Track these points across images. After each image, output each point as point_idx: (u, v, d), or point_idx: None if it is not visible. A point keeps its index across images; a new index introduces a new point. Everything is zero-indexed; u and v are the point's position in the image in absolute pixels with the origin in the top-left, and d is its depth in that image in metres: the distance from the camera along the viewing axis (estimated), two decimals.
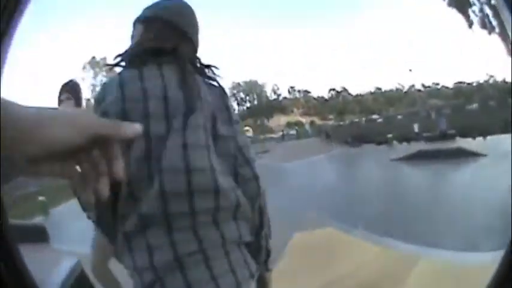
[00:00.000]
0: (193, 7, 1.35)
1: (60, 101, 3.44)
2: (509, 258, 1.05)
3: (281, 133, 40.00)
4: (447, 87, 24.66)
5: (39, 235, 8.32)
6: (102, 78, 38.62)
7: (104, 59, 38.25)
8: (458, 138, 15.66)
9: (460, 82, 24.26)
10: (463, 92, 23.04)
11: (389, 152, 18.97)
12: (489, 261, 4.22)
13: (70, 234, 9.59)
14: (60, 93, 3.50)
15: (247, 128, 44.83)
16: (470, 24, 19.77)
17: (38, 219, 11.73)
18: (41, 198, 13.12)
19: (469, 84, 23.95)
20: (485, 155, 12.37)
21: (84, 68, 36.94)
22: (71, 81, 3.66)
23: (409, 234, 6.09)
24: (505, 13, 1.11)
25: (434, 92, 24.97)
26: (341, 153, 23.69)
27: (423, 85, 25.37)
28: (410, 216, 7.87)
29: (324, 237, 6.47)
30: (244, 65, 56.49)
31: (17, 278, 1.18)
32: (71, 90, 3.58)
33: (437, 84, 25.19)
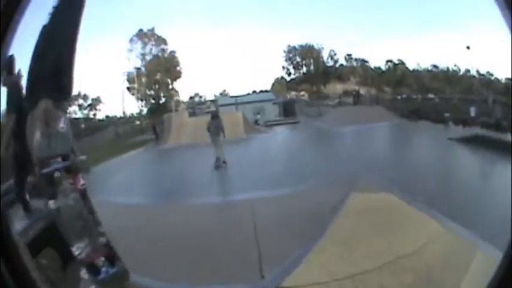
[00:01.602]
0: None
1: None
2: (510, 258, 1.20)
3: (337, 100, 38.58)
4: (499, 80, 23.90)
5: None
6: (151, 47, 37.27)
7: (152, 29, 36.73)
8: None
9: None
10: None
11: (446, 131, 19.23)
12: None
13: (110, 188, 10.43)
14: None
15: (302, 92, 44.88)
16: None
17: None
18: (82, 157, 13.42)
19: None
20: None
21: (131, 40, 36.30)
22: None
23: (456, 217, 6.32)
24: (505, 13, 1.26)
25: (487, 81, 24.50)
26: (398, 124, 23.50)
27: (478, 72, 24.69)
28: (460, 199, 8.21)
29: (383, 201, 6.81)
30: (300, 28, 54.30)
31: (17, 278, 1.31)
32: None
33: (492, 74, 24.46)
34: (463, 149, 15.10)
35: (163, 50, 38.27)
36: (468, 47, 21.82)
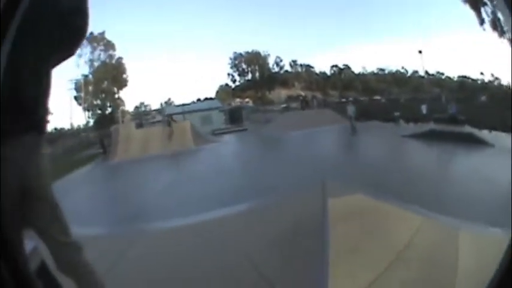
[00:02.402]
0: None
1: None
2: (510, 258, 1.12)
3: (282, 106, 38.92)
4: (451, 79, 24.48)
5: None
6: (100, 53, 37.92)
7: (103, 33, 37.15)
8: (467, 127, 14.87)
9: (465, 76, 24.19)
10: (467, 86, 23.08)
11: (397, 129, 18.99)
12: None
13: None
14: None
15: (247, 99, 44.26)
16: (482, 22, 20.45)
17: None
18: None
19: (473, 80, 23.87)
20: (492, 146, 12.21)
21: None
22: None
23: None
24: (505, 13, 1.22)
25: (438, 81, 25.35)
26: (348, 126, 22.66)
27: (427, 72, 25.80)
28: (420, 190, 8.02)
29: (360, 203, 6.26)
30: (247, 35, 54.35)
31: (17, 278, 1.23)
32: None
33: (442, 74, 24.98)
34: (419, 144, 14.82)
35: (111, 56, 38.66)
36: (420, 51, 22.44)
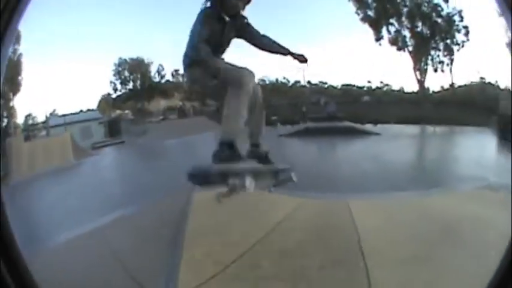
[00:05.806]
0: None
1: None
2: (510, 258, 1.19)
3: (160, 117, 36.97)
4: (335, 87, 25.97)
5: None
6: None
7: None
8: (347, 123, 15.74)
9: (349, 84, 25.62)
10: (351, 93, 24.58)
11: (275, 131, 19.26)
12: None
13: None
14: None
15: (127, 111, 41.96)
16: (378, 39, 21.08)
17: None
18: None
19: (359, 88, 25.42)
20: (378, 134, 13.09)
21: None
22: None
23: None
24: (505, 13, 1.37)
25: (320, 90, 26.31)
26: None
27: (309, 82, 26.52)
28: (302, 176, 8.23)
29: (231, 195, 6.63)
30: (133, 40, 51.89)
31: (17, 277, 1.30)
32: None
33: (325, 83, 26.23)
34: (294, 140, 16.21)
35: (15, 51, 33.99)
36: (303, 61, 23.19)
